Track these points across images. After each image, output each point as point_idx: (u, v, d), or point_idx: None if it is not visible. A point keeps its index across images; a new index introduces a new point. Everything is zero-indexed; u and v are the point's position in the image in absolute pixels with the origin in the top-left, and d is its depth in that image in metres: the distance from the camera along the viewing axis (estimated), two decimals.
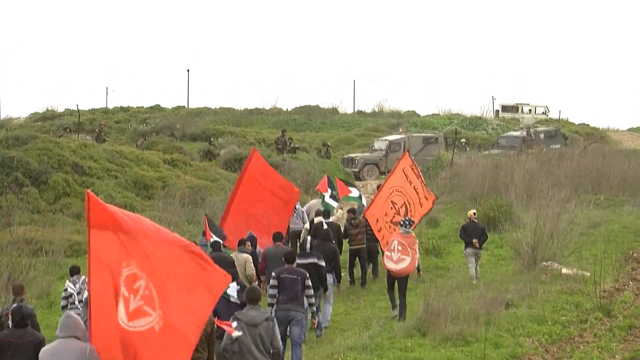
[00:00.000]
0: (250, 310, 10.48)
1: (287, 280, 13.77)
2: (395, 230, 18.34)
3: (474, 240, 19.74)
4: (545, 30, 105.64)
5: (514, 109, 56.56)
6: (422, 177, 20.30)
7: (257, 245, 17.69)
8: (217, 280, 8.76)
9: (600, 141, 45.97)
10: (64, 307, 14.90)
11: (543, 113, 56.47)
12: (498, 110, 57.33)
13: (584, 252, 20.67)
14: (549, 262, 19.51)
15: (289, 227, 21.17)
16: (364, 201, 23.48)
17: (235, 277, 12.74)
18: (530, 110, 56.33)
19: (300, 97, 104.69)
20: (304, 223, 21.67)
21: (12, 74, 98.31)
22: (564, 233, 20.31)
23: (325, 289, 15.96)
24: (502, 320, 15.35)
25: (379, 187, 21.71)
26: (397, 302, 16.99)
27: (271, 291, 13.80)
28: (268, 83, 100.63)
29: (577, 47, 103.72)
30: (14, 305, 11.69)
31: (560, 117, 57.36)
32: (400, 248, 16.61)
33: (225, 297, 12.06)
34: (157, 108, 56.19)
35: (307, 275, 14.04)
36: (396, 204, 19.43)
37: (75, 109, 48.48)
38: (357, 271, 20.87)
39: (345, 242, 20.53)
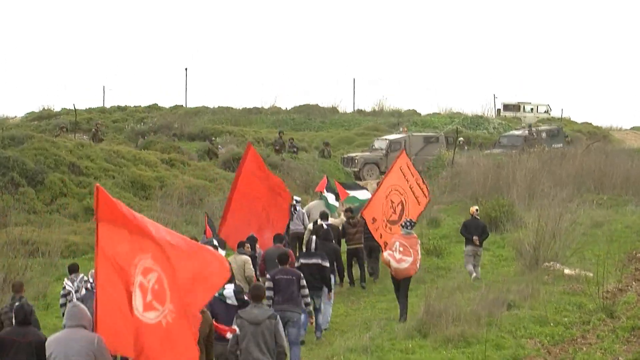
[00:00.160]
0: (254, 309, 10.55)
1: (283, 281, 13.89)
2: (391, 229, 18.44)
3: (475, 237, 19.75)
4: (547, 27, 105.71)
5: (516, 107, 56.47)
6: (418, 174, 20.18)
7: (258, 246, 17.60)
8: (217, 268, 8.84)
9: (603, 140, 45.89)
10: (63, 305, 14.90)
11: (545, 112, 56.38)
12: (499, 109, 57.28)
13: (586, 253, 20.68)
14: (551, 263, 19.48)
15: (289, 228, 21.16)
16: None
17: (230, 279, 12.56)
18: (532, 109, 56.25)
19: (299, 97, 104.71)
20: (304, 224, 21.64)
21: (7, 72, 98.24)
22: (566, 233, 20.31)
23: (330, 290, 16.08)
24: (503, 321, 15.28)
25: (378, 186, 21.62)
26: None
27: (268, 293, 13.79)
28: (267, 82, 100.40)
29: (580, 45, 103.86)
30: (15, 303, 11.84)
31: (563, 116, 57.22)
32: (401, 249, 16.60)
33: (222, 299, 11.95)
34: (154, 107, 56.17)
35: (302, 275, 14.17)
36: (393, 203, 19.39)
37: (72, 108, 48.37)
38: (356, 271, 20.82)
39: (343, 242, 20.44)
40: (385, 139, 40.54)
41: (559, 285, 18.00)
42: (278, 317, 10.66)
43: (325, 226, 18.70)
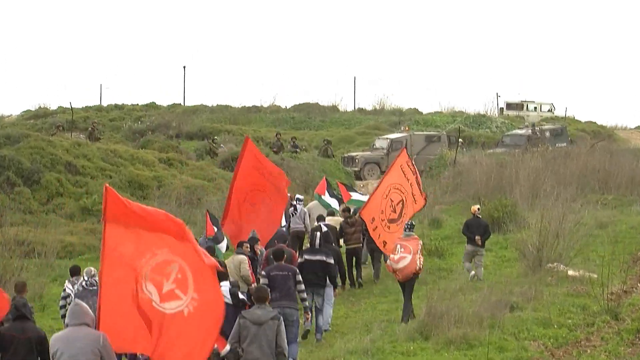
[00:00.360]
0: (257, 309, 10.68)
1: (278, 277, 14.04)
2: (389, 227, 18.48)
3: (477, 237, 19.78)
4: (550, 25, 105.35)
5: (519, 106, 56.32)
6: (417, 173, 20.05)
7: (261, 246, 17.66)
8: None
9: (607, 139, 45.68)
10: (63, 307, 14.97)
11: (549, 111, 56.23)
12: (502, 108, 57.17)
13: (590, 254, 20.66)
14: (555, 264, 19.42)
15: (289, 227, 21.26)
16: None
17: (225, 277, 13.02)
18: (535, 107, 56.11)
19: (299, 95, 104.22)
20: (304, 223, 21.77)
21: (3, 70, 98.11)
22: (570, 234, 20.21)
23: (335, 286, 16.32)
24: (506, 323, 15.20)
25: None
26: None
27: None
28: (266, 80, 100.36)
29: (584, 43, 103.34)
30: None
31: (567, 115, 56.95)
32: (402, 249, 16.62)
33: None
34: (152, 106, 56.03)
35: (297, 271, 14.34)
36: (393, 201, 19.25)
37: (69, 106, 48.47)
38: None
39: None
40: (387, 138, 40.40)
41: (563, 287, 17.92)
42: (281, 318, 10.76)
43: (324, 227, 18.76)
